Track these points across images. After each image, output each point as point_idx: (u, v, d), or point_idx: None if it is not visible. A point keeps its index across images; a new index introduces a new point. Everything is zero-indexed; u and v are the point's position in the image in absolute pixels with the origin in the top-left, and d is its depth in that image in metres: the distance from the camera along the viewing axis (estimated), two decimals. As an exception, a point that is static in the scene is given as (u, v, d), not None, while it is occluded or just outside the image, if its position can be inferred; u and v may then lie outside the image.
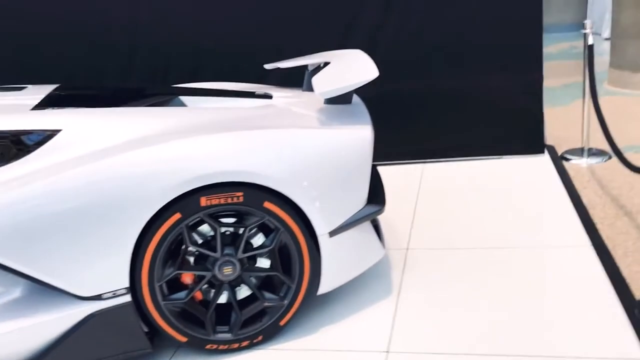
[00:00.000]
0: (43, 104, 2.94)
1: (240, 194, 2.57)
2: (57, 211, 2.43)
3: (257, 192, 2.59)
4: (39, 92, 3.15)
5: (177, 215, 2.53)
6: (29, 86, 3.34)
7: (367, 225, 2.93)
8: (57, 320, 2.50)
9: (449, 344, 2.63)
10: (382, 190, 3.07)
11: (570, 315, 2.73)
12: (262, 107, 3.15)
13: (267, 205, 2.62)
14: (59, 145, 2.63)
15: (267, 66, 3.76)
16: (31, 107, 2.90)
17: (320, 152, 2.74)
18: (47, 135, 2.64)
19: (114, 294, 2.54)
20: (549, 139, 4.95)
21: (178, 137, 2.60)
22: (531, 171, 4.46)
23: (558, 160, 4.60)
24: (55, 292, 2.49)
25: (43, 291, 2.52)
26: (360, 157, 2.80)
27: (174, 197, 2.49)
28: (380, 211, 2.91)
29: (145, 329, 2.64)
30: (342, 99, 3.02)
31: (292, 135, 2.75)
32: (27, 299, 2.53)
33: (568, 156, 4.67)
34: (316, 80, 2.94)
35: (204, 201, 2.55)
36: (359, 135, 2.82)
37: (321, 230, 2.71)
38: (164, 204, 2.49)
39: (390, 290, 3.07)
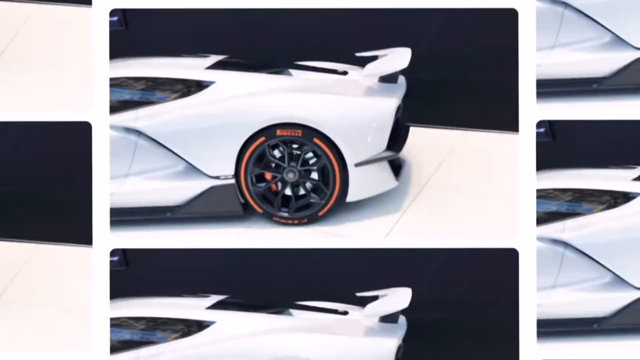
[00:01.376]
0: (212, 66, 4.96)
1: (299, 131, 4.37)
2: (209, 126, 4.46)
3: (310, 131, 4.37)
4: (213, 59, 5.14)
5: (262, 138, 4.41)
6: (211, 55, 5.35)
7: (384, 163, 4.55)
8: (194, 186, 4.54)
9: (429, 239, 4.28)
10: (402, 143, 4.66)
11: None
12: (335, 80, 4.86)
13: (316, 140, 4.38)
14: (213, 90, 4.63)
15: (358, 54, 5.36)
16: (206, 67, 4.94)
17: (356, 111, 4.43)
18: (208, 84, 4.67)
19: (226, 177, 4.51)
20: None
21: (271, 93, 4.47)
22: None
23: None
24: (195, 170, 4.53)
25: (190, 169, 4.57)
26: (383, 118, 4.45)
27: (262, 127, 4.38)
28: (393, 156, 4.54)
29: (242, 201, 4.58)
30: (388, 79, 4.64)
31: (340, 99, 4.47)
32: (181, 172, 4.60)
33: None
34: (368, 65, 4.60)
35: (278, 132, 4.38)
36: (386, 103, 4.47)
37: (350, 161, 4.42)
38: (256, 129, 4.39)
39: (401, 207, 4.65)
